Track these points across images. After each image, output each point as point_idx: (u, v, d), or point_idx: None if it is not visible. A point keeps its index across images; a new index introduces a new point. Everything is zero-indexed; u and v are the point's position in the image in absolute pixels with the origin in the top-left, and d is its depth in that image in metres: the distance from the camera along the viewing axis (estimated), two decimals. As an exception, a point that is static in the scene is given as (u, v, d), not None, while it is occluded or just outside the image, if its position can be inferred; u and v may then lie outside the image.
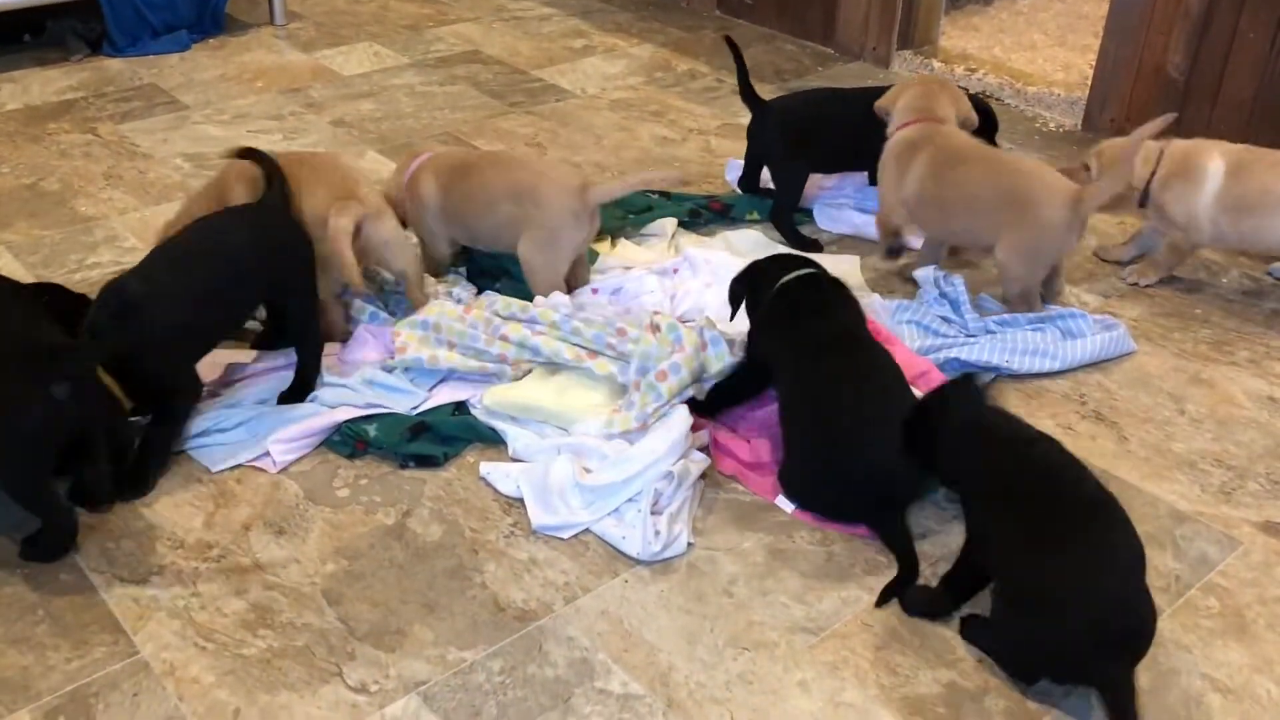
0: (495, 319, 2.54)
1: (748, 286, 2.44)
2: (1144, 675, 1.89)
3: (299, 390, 2.46)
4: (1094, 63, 3.93)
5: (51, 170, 3.49)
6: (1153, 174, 2.87)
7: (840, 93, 3.38)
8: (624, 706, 1.83)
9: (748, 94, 3.25)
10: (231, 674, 1.86)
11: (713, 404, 2.41)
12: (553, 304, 2.60)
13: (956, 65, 4.44)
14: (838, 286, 2.39)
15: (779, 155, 3.20)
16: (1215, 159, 2.82)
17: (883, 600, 2.02)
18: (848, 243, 3.21)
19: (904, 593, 2.03)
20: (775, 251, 3.07)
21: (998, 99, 4.22)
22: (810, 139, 3.16)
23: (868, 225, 3.22)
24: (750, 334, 2.42)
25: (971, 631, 1.94)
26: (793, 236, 3.16)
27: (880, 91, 3.25)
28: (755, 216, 3.27)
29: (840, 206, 3.31)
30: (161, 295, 2.19)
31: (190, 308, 2.22)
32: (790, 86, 4.19)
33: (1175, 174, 2.85)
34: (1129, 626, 1.71)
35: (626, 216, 3.17)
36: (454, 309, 2.56)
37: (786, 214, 3.19)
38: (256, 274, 2.37)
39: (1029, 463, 1.85)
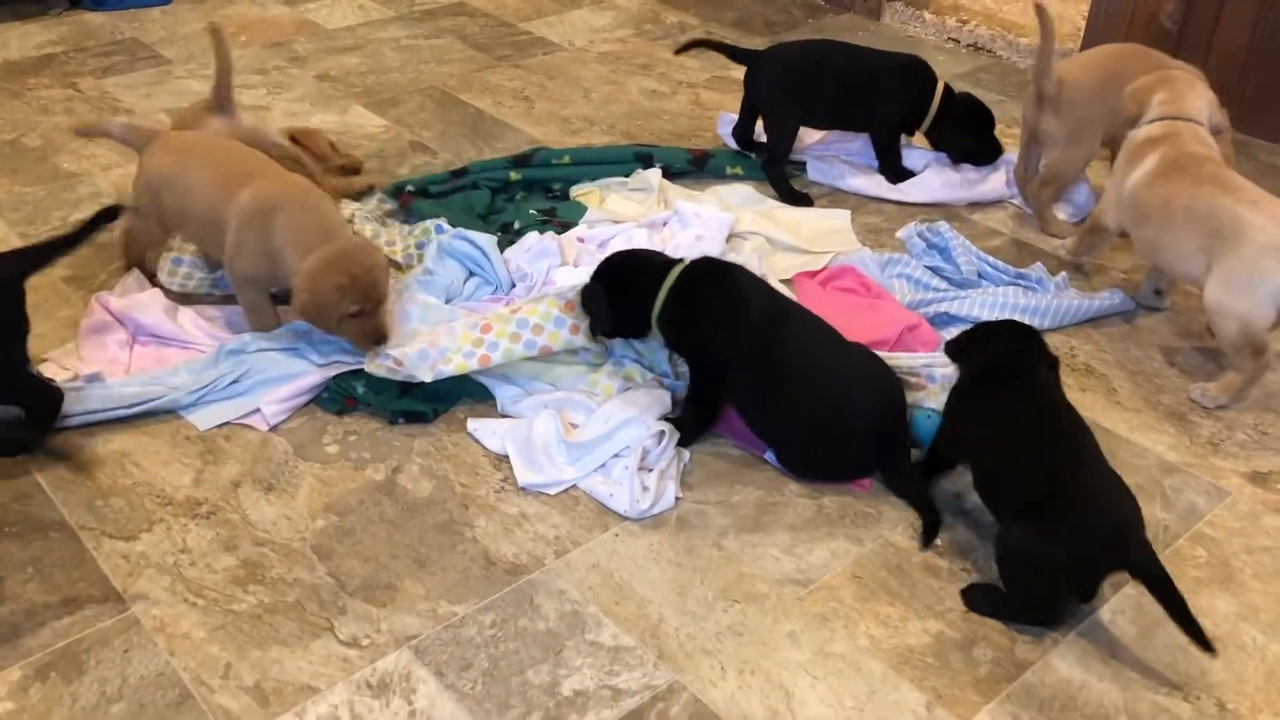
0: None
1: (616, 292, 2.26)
2: (1131, 624, 1.91)
3: None
4: (1086, 13, 3.89)
5: (33, 126, 3.44)
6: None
7: (838, 45, 3.34)
8: (615, 658, 1.83)
9: (738, 54, 3.26)
10: (222, 629, 1.86)
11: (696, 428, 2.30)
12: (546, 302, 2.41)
13: (948, 17, 4.39)
14: (731, 268, 2.27)
15: (772, 102, 3.18)
16: (1152, 156, 2.52)
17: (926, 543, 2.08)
18: (839, 196, 3.19)
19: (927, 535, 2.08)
20: (758, 210, 3.08)
21: (989, 51, 4.19)
22: (804, 87, 3.13)
23: (858, 178, 3.21)
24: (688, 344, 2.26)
25: None
26: (784, 189, 3.13)
27: (878, 54, 3.22)
28: (739, 171, 3.24)
29: (831, 160, 3.29)
30: None
31: None
32: (780, 38, 4.14)
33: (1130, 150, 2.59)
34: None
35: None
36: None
37: (779, 164, 3.16)
38: None
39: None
